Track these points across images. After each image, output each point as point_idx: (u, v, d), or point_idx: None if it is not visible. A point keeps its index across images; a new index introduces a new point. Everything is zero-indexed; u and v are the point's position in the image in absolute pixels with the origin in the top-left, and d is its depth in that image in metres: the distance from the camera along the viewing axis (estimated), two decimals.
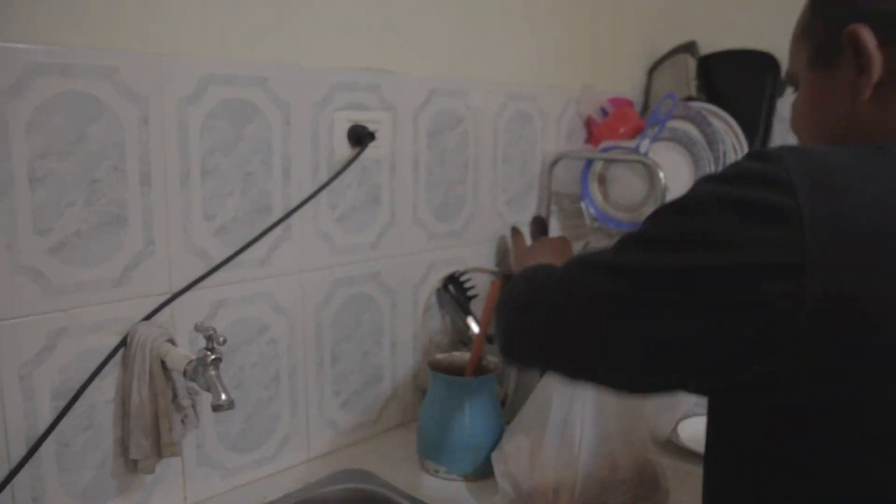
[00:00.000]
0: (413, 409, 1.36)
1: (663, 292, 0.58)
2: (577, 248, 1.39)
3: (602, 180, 1.52)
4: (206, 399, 0.90)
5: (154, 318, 0.98)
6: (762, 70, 1.60)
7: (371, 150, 1.18)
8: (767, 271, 0.53)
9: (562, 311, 0.66)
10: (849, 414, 0.55)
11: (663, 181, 1.31)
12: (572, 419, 1.03)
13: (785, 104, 1.60)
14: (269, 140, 1.07)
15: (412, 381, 1.36)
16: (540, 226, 1.44)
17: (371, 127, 1.17)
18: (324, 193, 1.14)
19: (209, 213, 1.02)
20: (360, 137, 1.16)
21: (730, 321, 0.55)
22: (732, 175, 0.57)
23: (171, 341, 0.96)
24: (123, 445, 0.98)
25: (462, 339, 1.37)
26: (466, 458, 1.16)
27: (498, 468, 1.07)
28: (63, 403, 0.91)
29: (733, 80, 1.65)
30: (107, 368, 0.95)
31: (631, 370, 0.64)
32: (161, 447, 0.96)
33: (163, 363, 0.94)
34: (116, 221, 0.93)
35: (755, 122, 1.58)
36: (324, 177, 1.14)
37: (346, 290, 1.21)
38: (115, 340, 0.95)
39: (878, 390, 0.54)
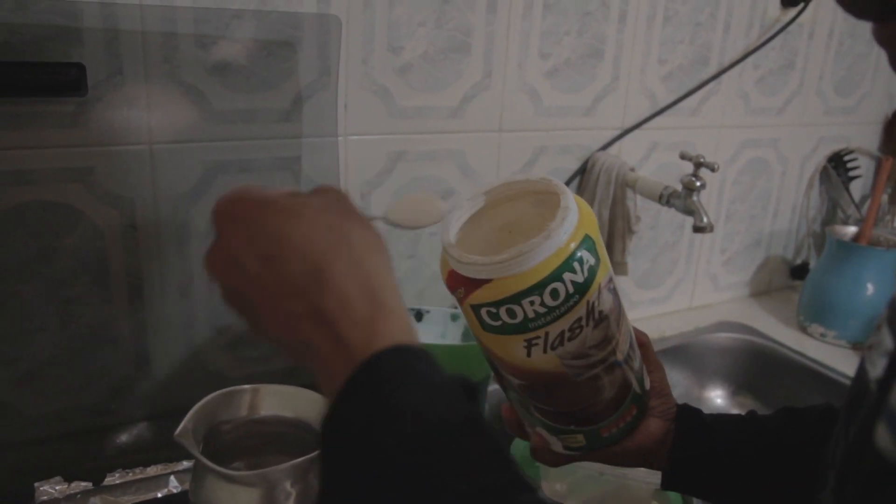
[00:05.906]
0: (779, 277, 1.40)
1: None
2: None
3: None
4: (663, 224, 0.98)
5: (609, 149, 1.08)
6: None
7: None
8: None
9: None
10: None
11: None
12: None
13: None
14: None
15: (782, 251, 1.39)
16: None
17: None
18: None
19: (662, 58, 1.09)
20: None
21: None
22: None
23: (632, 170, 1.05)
24: None
25: (839, 216, 1.38)
26: (858, 325, 1.19)
27: None
28: None
29: None
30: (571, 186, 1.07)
31: None
32: (613, 266, 1.07)
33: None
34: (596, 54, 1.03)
35: None
36: (755, 36, 1.17)
37: (750, 151, 1.25)
38: (577, 164, 1.07)
39: None
